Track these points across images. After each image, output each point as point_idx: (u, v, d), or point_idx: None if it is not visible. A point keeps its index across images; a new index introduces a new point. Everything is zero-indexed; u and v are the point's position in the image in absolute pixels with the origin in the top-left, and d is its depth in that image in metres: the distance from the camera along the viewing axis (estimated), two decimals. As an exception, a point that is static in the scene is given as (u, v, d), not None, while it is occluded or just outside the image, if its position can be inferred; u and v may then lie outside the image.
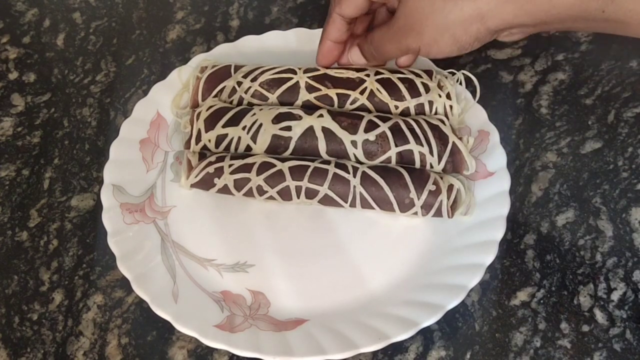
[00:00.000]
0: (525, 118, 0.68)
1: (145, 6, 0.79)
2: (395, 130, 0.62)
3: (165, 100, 0.68)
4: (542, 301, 0.59)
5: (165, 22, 0.77)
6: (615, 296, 0.59)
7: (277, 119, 0.63)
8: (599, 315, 0.58)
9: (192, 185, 0.63)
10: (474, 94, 0.66)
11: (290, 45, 0.71)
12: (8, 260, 0.64)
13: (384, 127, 0.62)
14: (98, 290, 0.62)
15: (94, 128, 0.71)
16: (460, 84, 0.66)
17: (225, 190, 0.62)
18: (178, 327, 0.56)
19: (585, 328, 0.58)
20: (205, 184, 0.63)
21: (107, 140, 0.69)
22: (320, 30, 0.71)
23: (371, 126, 0.62)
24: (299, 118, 0.63)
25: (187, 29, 0.77)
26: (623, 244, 0.61)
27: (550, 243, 0.62)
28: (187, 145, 0.65)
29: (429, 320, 0.55)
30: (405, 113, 0.65)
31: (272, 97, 0.66)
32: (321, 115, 0.63)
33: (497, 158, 0.63)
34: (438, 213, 0.61)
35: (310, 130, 0.62)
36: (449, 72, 0.67)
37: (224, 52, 0.71)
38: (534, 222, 0.63)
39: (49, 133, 0.71)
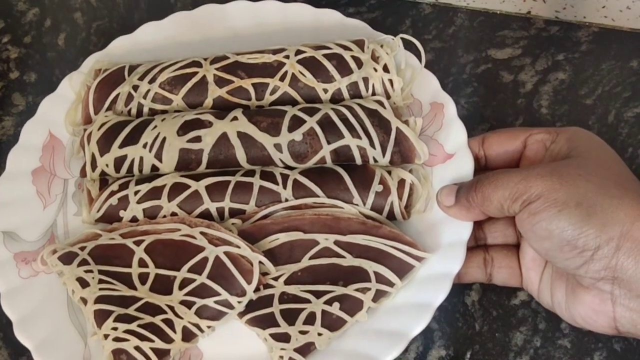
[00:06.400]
0: (526, 118, 0.68)
1: (146, 7, 0.79)
2: (326, 123, 0.53)
3: (58, 117, 0.58)
4: (542, 301, 0.59)
5: (166, 22, 0.77)
6: (615, 296, 0.59)
7: (183, 129, 0.54)
8: (599, 315, 0.58)
9: (97, 221, 0.55)
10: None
11: (198, 28, 0.60)
12: (9, 260, 0.63)
13: (311, 122, 0.53)
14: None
15: (95, 128, 0.70)
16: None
17: (136, 222, 0.54)
18: None
19: (586, 328, 0.58)
20: (110, 217, 0.54)
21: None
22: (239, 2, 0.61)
23: (296, 123, 0.53)
24: (209, 125, 0.54)
25: (188, 29, 0.77)
26: (623, 243, 0.61)
27: (550, 243, 0.62)
28: (83, 172, 0.56)
29: (393, 353, 0.48)
30: (336, 98, 0.56)
31: (177, 98, 0.56)
32: (235, 118, 0.54)
33: (455, 135, 0.53)
34: (391, 216, 0.53)
35: (224, 138, 0.53)
36: (390, 39, 0.58)
37: (122, 48, 0.61)
38: (534, 221, 0.63)
39: (50, 133, 0.70)
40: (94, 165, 0.55)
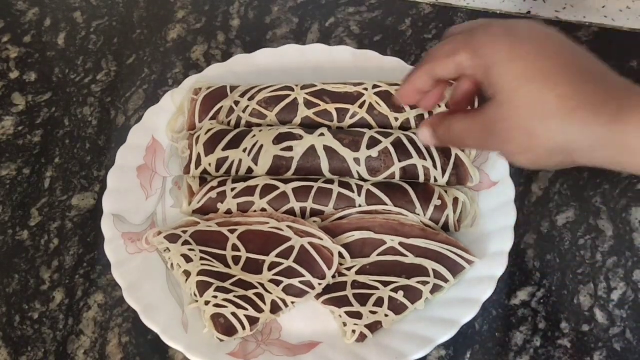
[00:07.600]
0: (526, 118, 0.68)
1: (146, 5, 0.79)
2: (398, 145, 0.62)
3: (160, 125, 0.67)
4: (542, 300, 0.59)
5: (166, 22, 0.77)
6: (615, 296, 0.59)
7: (278, 140, 0.62)
8: (599, 315, 0.58)
9: (195, 212, 0.63)
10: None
11: (282, 62, 0.70)
12: (9, 259, 0.64)
13: (386, 143, 0.62)
14: (99, 289, 0.62)
15: (95, 127, 0.71)
16: None
17: (229, 214, 0.62)
18: (190, 356, 0.55)
19: (586, 327, 0.58)
20: (208, 209, 0.62)
21: (108, 139, 0.69)
22: (314, 45, 0.70)
23: (373, 142, 0.62)
24: (300, 138, 0.62)
25: (188, 28, 0.77)
26: (623, 243, 0.61)
27: (550, 243, 0.62)
28: (187, 170, 0.64)
29: (445, 337, 0.55)
30: (405, 126, 0.64)
31: (271, 114, 0.65)
32: (322, 134, 0.62)
33: (499, 167, 0.62)
34: (445, 227, 0.61)
35: (311, 150, 0.62)
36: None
37: (216, 73, 0.70)
38: (534, 221, 0.63)
39: (50, 132, 0.71)
40: (198, 164, 0.63)
